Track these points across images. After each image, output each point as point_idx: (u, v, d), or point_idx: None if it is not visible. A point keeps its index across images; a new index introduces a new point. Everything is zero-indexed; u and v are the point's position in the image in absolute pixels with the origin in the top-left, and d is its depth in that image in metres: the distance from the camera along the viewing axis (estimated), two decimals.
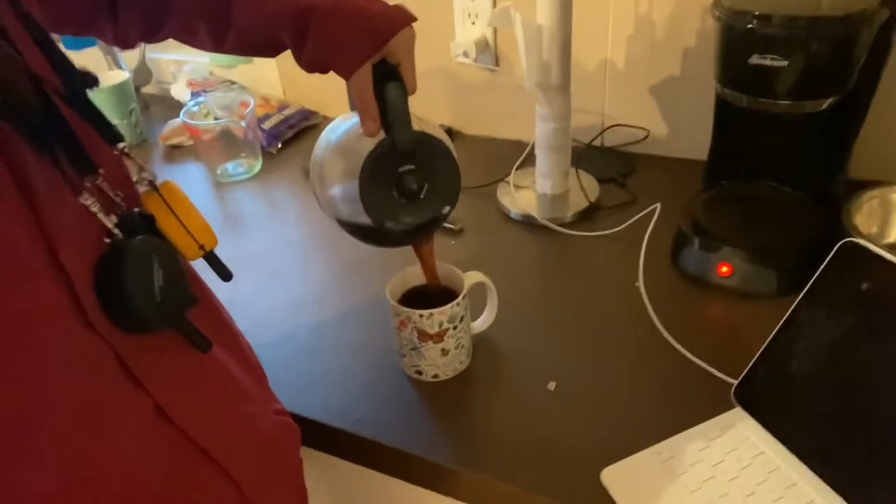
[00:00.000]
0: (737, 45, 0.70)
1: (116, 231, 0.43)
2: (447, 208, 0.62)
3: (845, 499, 0.54)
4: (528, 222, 0.95)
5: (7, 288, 0.36)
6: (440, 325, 0.66)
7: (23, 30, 0.41)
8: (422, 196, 0.60)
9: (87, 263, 0.41)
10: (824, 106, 0.72)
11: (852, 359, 0.55)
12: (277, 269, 0.91)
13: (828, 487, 0.55)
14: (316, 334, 0.80)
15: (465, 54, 1.09)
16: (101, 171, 0.44)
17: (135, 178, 0.49)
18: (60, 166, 0.40)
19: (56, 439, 0.39)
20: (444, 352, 0.69)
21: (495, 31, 1.08)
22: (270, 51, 0.63)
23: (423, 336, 0.67)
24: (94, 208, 0.42)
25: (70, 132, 0.41)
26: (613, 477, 0.59)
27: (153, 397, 0.45)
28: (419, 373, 0.71)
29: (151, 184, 0.48)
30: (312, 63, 0.60)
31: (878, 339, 0.54)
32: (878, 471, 0.53)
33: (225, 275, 0.53)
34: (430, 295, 0.69)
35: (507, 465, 0.62)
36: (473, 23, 1.08)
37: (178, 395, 0.47)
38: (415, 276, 0.72)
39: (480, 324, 0.74)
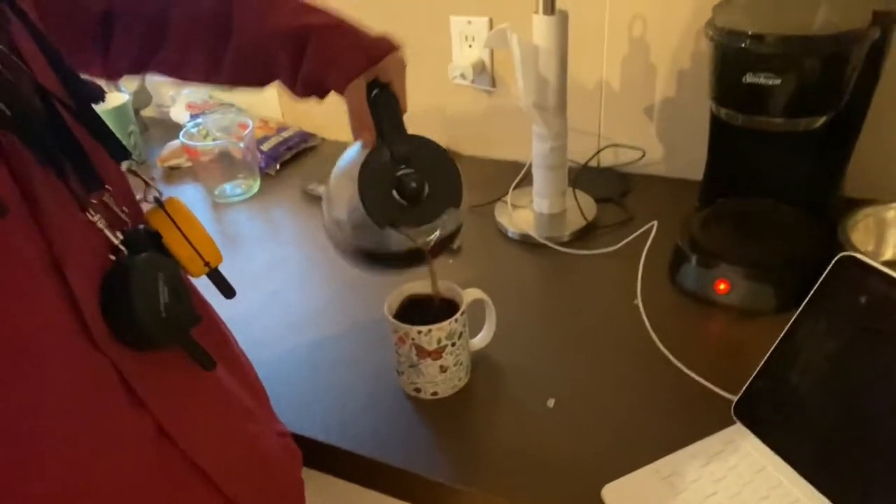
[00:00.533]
0: (731, 64, 0.71)
1: (122, 247, 0.43)
2: (453, 210, 0.62)
3: None
4: (525, 241, 0.95)
5: (9, 302, 0.36)
6: (439, 341, 0.66)
7: (32, 43, 0.41)
8: (424, 198, 0.59)
9: (92, 279, 0.41)
10: (818, 124, 0.72)
11: (852, 373, 0.55)
12: (275, 287, 0.91)
13: (829, 503, 0.54)
14: (314, 353, 0.79)
15: (463, 76, 1.10)
16: (107, 186, 0.44)
17: (140, 195, 0.49)
18: (67, 181, 0.40)
19: (55, 458, 0.39)
20: (443, 369, 0.68)
21: (492, 54, 1.10)
22: (263, 75, 0.65)
23: (422, 353, 0.67)
24: (101, 224, 0.42)
25: (78, 147, 0.41)
26: (614, 494, 0.58)
27: (155, 416, 0.44)
28: (418, 390, 0.70)
29: (157, 200, 0.48)
30: (308, 79, 0.61)
31: (877, 352, 0.54)
32: (879, 485, 0.52)
33: (228, 292, 0.53)
34: (428, 312, 0.69)
35: (507, 483, 0.61)
36: (470, 45, 1.10)
37: (180, 414, 0.46)
38: (413, 291, 0.72)
39: (479, 341, 0.74)
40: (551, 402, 0.68)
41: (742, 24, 0.69)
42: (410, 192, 0.59)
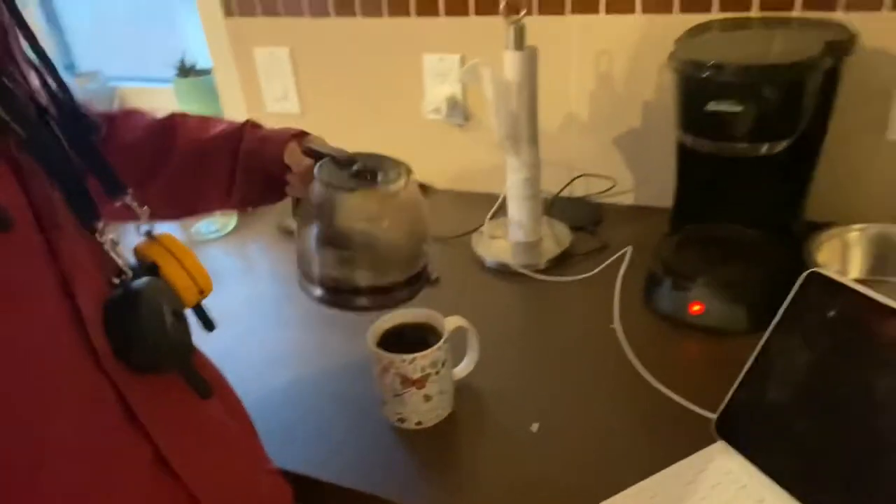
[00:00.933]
0: (694, 93, 0.74)
1: (127, 269, 0.44)
2: (409, 176, 0.65)
3: None
4: (503, 270, 0.96)
5: (12, 314, 0.36)
6: (422, 369, 0.66)
7: (35, 73, 0.42)
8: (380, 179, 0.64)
9: (98, 299, 0.41)
10: (779, 148, 0.75)
11: (826, 385, 0.57)
12: (253, 323, 0.91)
13: None
14: (293, 386, 0.79)
15: (436, 111, 1.12)
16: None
17: (115, 234, 0.50)
18: (76, 205, 0.41)
19: (53, 485, 0.38)
20: (427, 398, 0.68)
21: (464, 89, 1.13)
22: (189, 199, 0.72)
23: (406, 382, 0.67)
24: (107, 246, 0.43)
25: (77, 174, 0.42)
26: None
27: (152, 440, 0.44)
28: (402, 420, 0.70)
29: (149, 233, 0.49)
30: (245, 162, 0.68)
31: (848, 364, 0.55)
32: (860, 494, 0.53)
33: (209, 325, 0.53)
34: (410, 342, 0.69)
35: None
36: (443, 82, 1.12)
37: (177, 440, 0.46)
38: (395, 322, 0.72)
39: (461, 370, 0.74)
40: (535, 427, 0.69)
41: (703, 55, 0.73)
42: (369, 173, 0.63)
